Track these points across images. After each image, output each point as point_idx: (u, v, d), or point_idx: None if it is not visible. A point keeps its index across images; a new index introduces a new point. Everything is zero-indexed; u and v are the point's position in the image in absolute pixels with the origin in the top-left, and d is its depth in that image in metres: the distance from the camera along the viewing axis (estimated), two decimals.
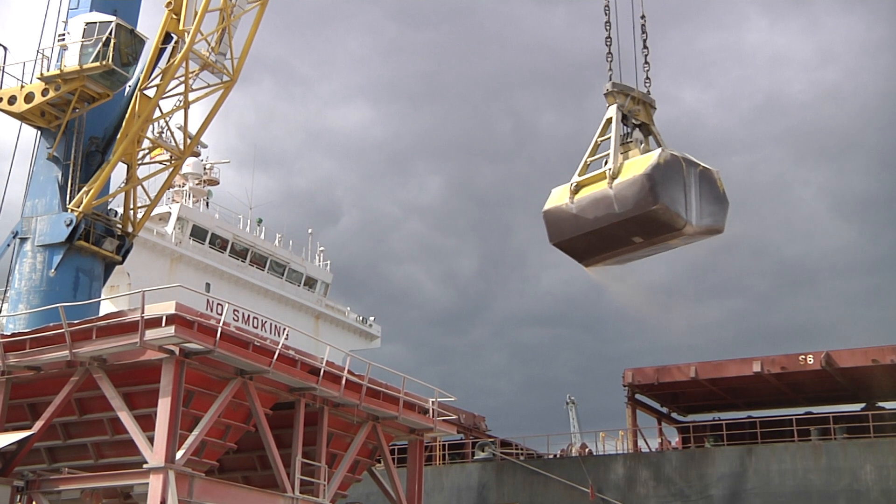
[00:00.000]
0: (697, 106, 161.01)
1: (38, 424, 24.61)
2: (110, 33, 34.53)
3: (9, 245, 36.02)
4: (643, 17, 30.53)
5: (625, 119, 29.03)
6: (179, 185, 60.80)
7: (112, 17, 35.11)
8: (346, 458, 28.84)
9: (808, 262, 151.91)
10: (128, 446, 23.92)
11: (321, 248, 65.87)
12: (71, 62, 34.78)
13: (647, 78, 29.84)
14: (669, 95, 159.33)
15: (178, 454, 22.69)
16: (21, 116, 36.28)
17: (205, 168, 63.15)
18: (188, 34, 34.59)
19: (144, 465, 22.63)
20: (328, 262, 65.79)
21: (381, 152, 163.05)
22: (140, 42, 35.81)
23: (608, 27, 30.11)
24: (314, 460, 27.06)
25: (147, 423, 23.23)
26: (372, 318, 68.21)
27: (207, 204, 61.25)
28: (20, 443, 24.40)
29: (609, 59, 29.56)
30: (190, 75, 35.43)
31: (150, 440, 22.84)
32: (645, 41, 30.39)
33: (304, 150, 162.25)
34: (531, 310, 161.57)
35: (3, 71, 36.65)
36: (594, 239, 28.29)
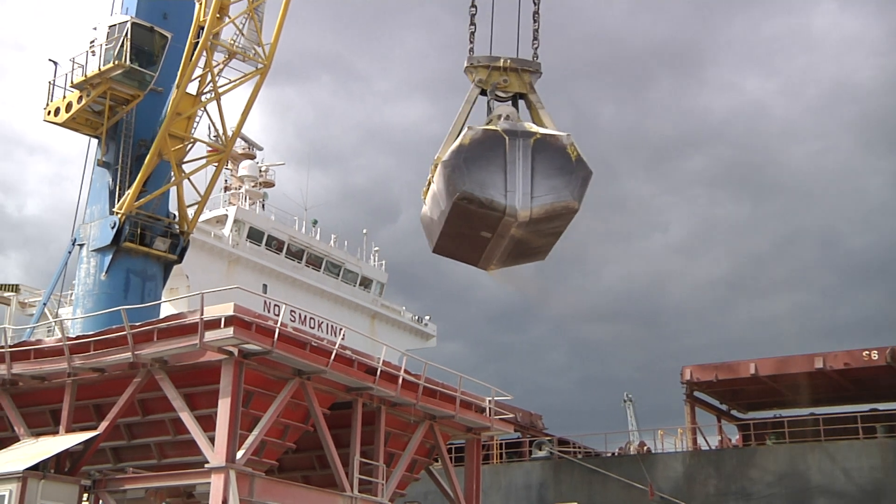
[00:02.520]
0: (761, 94, 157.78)
1: (104, 425, 25.10)
2: (126, 33, 34.93)
3: (69, 252, 36.80)
4: None
5: (495, 94, 24.94)
6: (236, 188, 61.63)
7: (127, 18, 35.52)
8: (404, 457, 28.94)
9: (877, 254, 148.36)
10: (189, 446, 24.27)
11: (376, 248, 66.29)
12: (94, 66, 35.33)
13: (536, 39, 25.36)
14: (733, 84, 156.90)
15: (239, 454, 22.95)
16: (67, 126, 36.94)
17: (260, 170, 63.89)
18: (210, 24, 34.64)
19: (206, 465, 22.94)
20: (383, 261, 66.17)
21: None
22: (163, 39, 36.05)
23: None
24: (372, 459, 27.19)
25: (208, 424, 23.55)
26: (427, 318, 68.39)
27: (263, 206, 61.95)
28: (86, 443, 24.92)
29: (471, 30, 25.22)
30: (220, 65, 35.63)
31: (211, 440, 23.13)
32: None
33: (362, 147, 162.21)
34: (591, 306, 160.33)
35: (54, 84, 37.37)
36: (457, 240, 24.73)
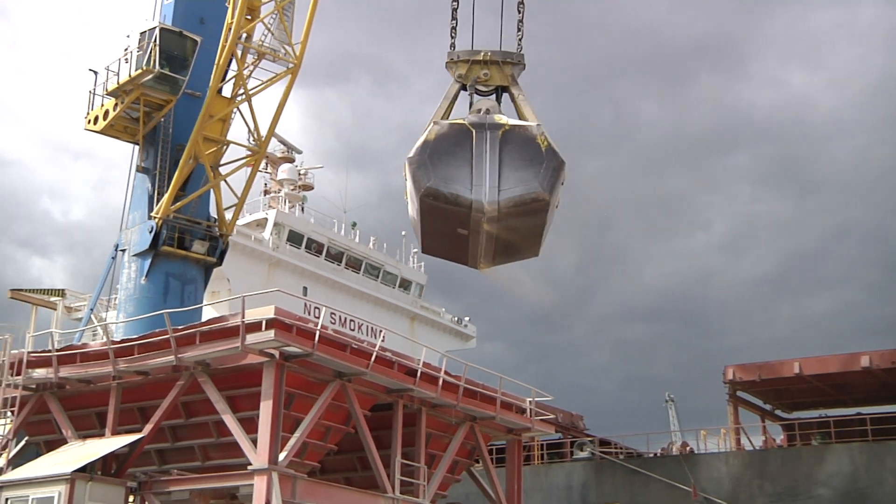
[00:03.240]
0: (806, 89, 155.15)
1: (148, 427, 25.40)
2: (154, 39, 35.30)
3: (113, 258, 37.26)
4: None
5: (476, 88, 24.08)
6: (275, 192, 62.10)
7: (156, 24, 35.90)
8: (445, 458, 28.97)
9: None
10: (232, 448, 24.49)
11: (415, 250, 66.38)
12: (126, 73, 35.79)
13: (520, 29, 24.32)
14: (776, 79, 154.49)
15: (281, 456, 23.13)
16: (106, 133, 37.41)
17: (299, 173, 64.31)
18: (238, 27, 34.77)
19: (249, 467, 23.13)
20: (422, 263, 66.28)
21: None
22: (193, 43, 36.33)
23: None
24: (413, 461, 27.26)
25: (250, 426, 23.74)
26: (467, 319, 68.39)
27: (303, 209, 62.35)
28: (132, 445, 25.23)
29: (452, 24, 24.37)
30: (250, 66, 35.85)
31: (254, 442, 23.33)
32: None
33: (401, 148, 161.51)
34: (632, 305, 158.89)
35: (93, 93, 37.87)
36: (440, 239, 23.88)
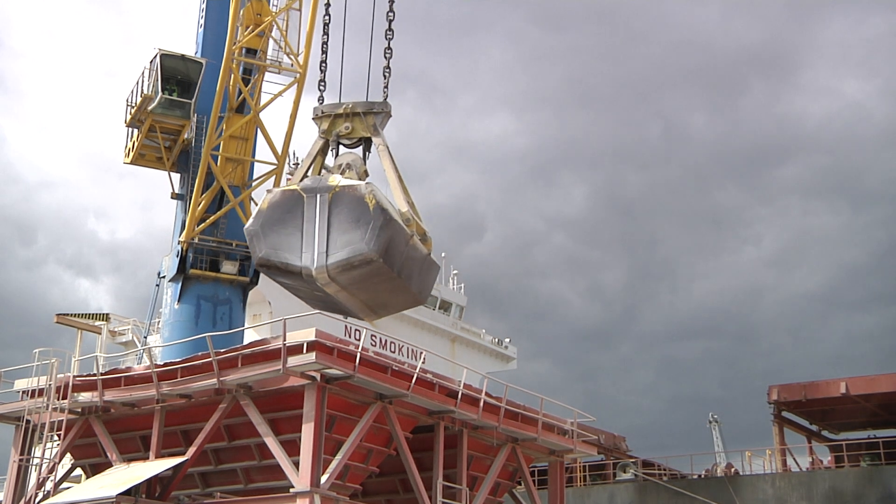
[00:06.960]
0: (860, 97, 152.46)
1: (191, 450, 25.54)
2: (156, 66, 35.65)
3: (157, 285, 37.65)
4: None
5: (339, 142, 24.61)
6: None
7: (157, 50, 36.37)
8: (487, 480, 28.82)
9: None
10: (275, 471, 24.57)
11: (455, 272, 66.44)
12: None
13: (386, 73, 24.47)
14: (829, 88, 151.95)
15: (323, 478, 23.14)
16: (138, 164, 37.90)
17: None
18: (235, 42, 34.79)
19: (291, 490, 23.17)
20: (462, 284, 66.29)
21: (523, 163, 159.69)
22: (196, 66, 36.60)
23: (325, 41, 25.23)
24: (455, 483, 27.13)
25: (292, 448, 23.81)
26: (507, 340, 68.21)
27: None
28: (176, 468, 25.41)
29: (320, 77, 24.68)
30: (256, 80, 35.98)
31: (296, 465, 23.38)
32: (391, 22, 24.84)
33: (446, 164, 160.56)
34: (681, 323, 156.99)
35: (129, 127, 38.40)
36: (317, 300, 24.04)
